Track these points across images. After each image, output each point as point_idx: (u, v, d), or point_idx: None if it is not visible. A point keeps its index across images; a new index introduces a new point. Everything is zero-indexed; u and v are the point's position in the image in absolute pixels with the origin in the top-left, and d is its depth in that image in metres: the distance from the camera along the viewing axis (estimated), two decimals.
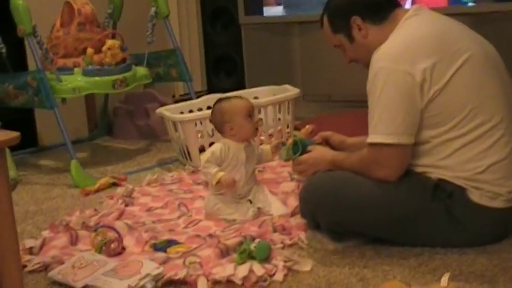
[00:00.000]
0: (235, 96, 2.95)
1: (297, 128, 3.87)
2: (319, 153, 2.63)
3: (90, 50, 3.75)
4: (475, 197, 2.29)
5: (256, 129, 2.85)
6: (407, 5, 4.29)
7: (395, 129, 2.28)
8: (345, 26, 2.49)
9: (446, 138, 2.30)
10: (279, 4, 4.77)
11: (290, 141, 2.71)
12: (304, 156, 2.64)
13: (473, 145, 2.29)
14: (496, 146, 2.30)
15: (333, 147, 2.77)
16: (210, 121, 2.93)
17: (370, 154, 2.35)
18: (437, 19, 2.44)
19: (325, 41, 2.61)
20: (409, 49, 2.30)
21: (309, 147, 2.67)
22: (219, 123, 2.84)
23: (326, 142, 2.82)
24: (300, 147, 2.65)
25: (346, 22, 2.47)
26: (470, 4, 4.22)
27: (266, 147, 2.95)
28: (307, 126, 2.98)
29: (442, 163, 2.31)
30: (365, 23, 2.45)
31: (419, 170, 2.35)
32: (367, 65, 2.42)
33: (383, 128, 2.29)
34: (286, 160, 2.76)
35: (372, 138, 2.32)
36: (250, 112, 2.82)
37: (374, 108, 2.31)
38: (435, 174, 2.32)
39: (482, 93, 2.31)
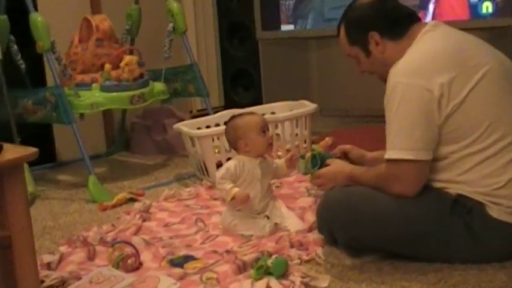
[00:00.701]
0: (248, 113, 2.96)
1: (314, 142, 3.87)
2: (337, 166, 2.61)
3: (108, 66, 3.77)
4: (494, 212, 2.27)
5: (271, 144, 2.85)
6: (428, 18, 4.29)
7: (413, 145, 2.26)
8: (362, 39, 2.48)
9: (465, 153, 2.28)
10: (290, 23, 4.77)
11: (308, 154, 2.70)
12: (323, 170, 2.62)
13: (492, 160, 2.27)
14: None
15: (352, 162, 2.75)
16: (226, 139, 2.93)
17: (387, 169, 2.34)
18: (455, 34, 2.44)
19: (340, 49, 2.60)
20: (427, 64, 2.29)
21: (328, 161, 2.65)
22: (233, 140, 2.85)
23: (345, 156, 2.80)
24: (318, 161, 2.63)
25: (364, 36, 2.47)
26: (489, 18, 4.20)
27: (281, 162, 2.94)
28: (326, 139, 2.98)
29: (461, 178, 2.30)
30: (383, 38, 2.45)
31: (437, 185, 2.34)
32: (382, 78, 2.42)
33: (401, 143, 2.28)
34: (305, 173, 2.74)
35: (390, 154, 2.31)
36: (264, 127, 2.82)
37: (391, 123, 2.31)
38: (454, 189, 2.31)
39: (501, 108, 2.29)
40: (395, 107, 2.28)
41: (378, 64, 2.47)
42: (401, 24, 2.44)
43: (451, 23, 2.54)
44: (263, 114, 3.25)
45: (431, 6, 4.30)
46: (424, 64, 2.29)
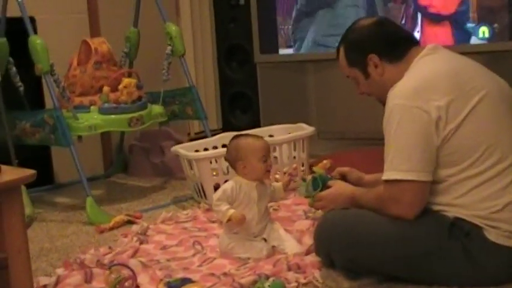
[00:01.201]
0: (253, 136, 2.93)
1: (312, 165, 3.87)
2: (338, 188, 2.61)
3: (106, 88, 3.78)
4: (491, 236, 2.26)
5: (269, 171, 2.84)
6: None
7: (412, 166, 2.26)
8: (361, 61, 2.50)
9: (463, 177, 2.28)
10: (289, 47, 4.79)
11: (309, 177, 2.69)
12: (324, 192, 2.61)
13: (490, 184, 2.27)
14: None
15: (350, 184, 2.76)
16: (225, 158, 2.93)
17: (386, 191, 2.33)
18: (452, 58, 2.45)
19: (339, 70, 2.61)
20: (425, 87, 2.30)
21: (329, 183, 2.64)
22: (233, 159, 2.85)
23: (343, 178, 2.80)
24: (319, 183, 2.62)
25: (363, 58, 2.48)
26: (482, 42, 4.22)
27: (278, 185, 2.93)
28: (324, 161, 2.96)
29: (458, 201, 2.30)
30: (382, 61, 2.46)
31: (435, 208, 2.33)
32: (380, 100, 2.44)
33: (399, 164, 2.28)
34: (306, 196, 2.71)
35: (388, 175, 2.31)
36: (266, 155, 2.80)
37: (390, 145, 2.31)
38: (451, 212, 2.30)
39: (498, 131, 2.30)
40: (393, 128, 2.29)
41: (377, 86, 2.49)
42: (400, 47, 2.46)
43: (450, 47, 2.55)
44: None
45: (417, 35, 4.34)
46: (422, 87, 2.30)
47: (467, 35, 4.26)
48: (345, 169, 2.83)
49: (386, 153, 2.33)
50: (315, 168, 2.67)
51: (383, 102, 2.40)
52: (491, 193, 2.27)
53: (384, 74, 2.47)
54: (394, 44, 2.46)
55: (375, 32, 2.49)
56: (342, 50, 2.57)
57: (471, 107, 2.28)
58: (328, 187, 2.63)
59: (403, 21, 4.37)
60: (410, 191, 2.28)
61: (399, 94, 2.32)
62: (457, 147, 2.27)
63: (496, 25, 4.18)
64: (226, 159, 2.92)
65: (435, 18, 4.34)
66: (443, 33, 4.32)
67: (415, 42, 2.51)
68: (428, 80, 2.32)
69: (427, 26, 4.36)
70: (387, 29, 2.51)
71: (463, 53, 2.52)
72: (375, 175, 2.66)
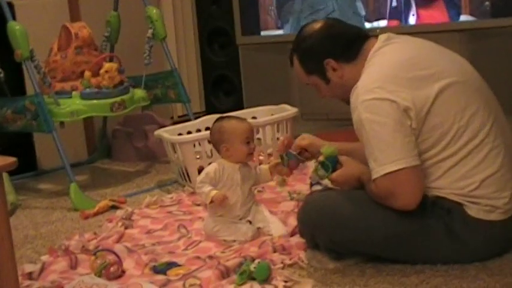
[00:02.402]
0: (237, 118, 2.92)
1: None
2: (348, 170, 2.49)
3: (87, 73, 3.76)
4: (472, 211, 2.28)
5: (252, 154, 2.84)
6: (413, 22, 4.34)
7: (398, 154, 2.23)
8: (319, 68, 2.48)
9: (437, 159, 2.29)
10: (279, 28, 4.78)
11: (316, 164, 2.60)
12: (336, 174, 2.51)
13: (464, 163, 2.28)
14: (486, 160, 2.29)
15: (313, 156, 2.74)
16: (209, 140, 2.92)
17: (381, 189, 2.28)
18: (408, 46, 2.43)
19: (297, 78, 2.59)
20: (385, 81, 2.28)
21: (341, 159, 2.53)
22: (216, 141, 2.84)
23: (305, 152, 2.77)
24: (329, 165, 2.53)
25: (320, 65, 2.46)
26: (468, 19, 4.22)
27: (264, 167, 2.93)
28: (280, 139, 2.91)
29: (436, 184, 2.30)
30: (339, 63, 2.44)
31: None
32: (344, 100, 2.44)
33: (385, 158, 2.24)
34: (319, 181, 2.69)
35: (378, 171, 2.25)
36: (249, 137, 2.80)
37: (369, 143, 2.28)
38: (431, 193, 2.31)
39: (466, 112, 2.29)
40: (367, 126, 2.27)
41: (339, 88, 2.48)
42: (354, 45, 2.44)
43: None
44: None
45: (412, 18, 4.34)
46: (382, 81, 2.28)
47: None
48: (303, 143, 2.78)
49: (368, 153, 2.29)
50: (322, 150, 2.61)
51: (347, 100, 2.39)
52: (466, 172, 2.28)
53: (343, 76, 2.45)
54: (347, 44, 2.44)
55: (326, 36, 2.47)
56: (296, 59, 2.55)
57: (436, 94, 2.27)
58: (339, 165, 2.53)
59: (395, 4, 4.37)
60: (406, 180, 2.24)
61: (362, 91, 2.30)
62: (428, 133, 2.27)
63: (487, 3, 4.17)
64: (209, 142, 2.91)
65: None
66: (438, 13, 4.30)
67: (366, 37, 2.48)
68: (387, 74, 2.31)
69: (421, 7, 4.35)
70: (337, 30, 2.50)
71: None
72: (345, 144, 2.63)
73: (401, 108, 2.24)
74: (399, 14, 4.40)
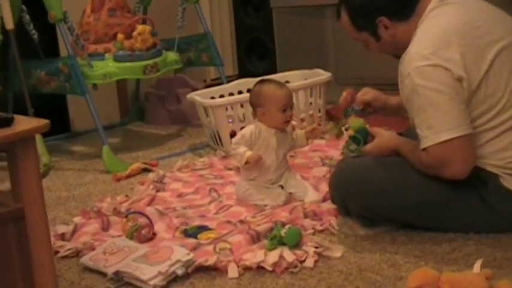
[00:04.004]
0: (278, 83, 2.88)
1: (329, 113, 3.86)
2: (382, 141, 2.45)
3: (120, 36, 3.77)
4: (508, 183, 2.26)
5: (288, 121, 2.82)
6: None
7: (453, 122, 2.19)
8: (370, 25, 2.41)
9: (479, 130, 2.25)
10: None
11: (346, 138, 2.56)
12: (367, 148, 2.47)
13: (506, 135, 2.25)
14: None
15: (375, 111, 2.69)
16: (241, 105, 2.91)
17: (432, 158, 2.23)
18: (465, 9, 2.35)
19: (344, 31, 2.53)
20: (440, 46, 2.22)
21: (372, 130, 2.49)
22: (254, 104, 2.85)
23: (368, 106, 2.70)
24: (360, 138, 2.49)
25: (371, 22, 2.40)
26: None
27: (301, 133, 2.93)
28: (343, 94, 2.80)
29: (477, 153, 2.27)
30: (392, 21, 2.38)
31: None
32: (395, 56, 2.39)
33: (440, 125, 2.20)
34: (354, 156, 2.56)
35: (432, 139, 2.21)
36: (286, 105, 2.79)
37: (424, 110, 2.22)
38: None
39: None
40: (422, 91, 2.21)
41: (389, 46, 2.42)
42: (407, 3, 2.36)
43: None
44: None
45: None
46: (436, 46, 2.22)
47: None
48: (367, 97, 2.69)
49: (421, 120, 2.24)
50: (350, 122, 2.57)
51: (398, 56, 2.34)
52: (507, 144, 2.25)
53: (396, 34, 2.39)
54: (401, 2, 2.37)
55: None
56: (344, 14, 2.47)
57: (490, 62, 2.22)
58: (371, 136, 2.49)
59: None
60: (461, 148, 2.21)
61: (415, 57, 2.24)
62: (476, 105, 2.23)
63: None
64: (242, 106, 2.91)
65: None
66: None
67: None
68: (442, 39, 2.24)
69: None
70: None
71: None
72: (399, 98, 2.52)
73: (455, 77, 2.19)
74: None
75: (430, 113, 2.22)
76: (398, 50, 2.35)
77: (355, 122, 2.53)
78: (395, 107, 2.67)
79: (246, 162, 2.72)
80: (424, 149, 2.25)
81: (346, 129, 2.58)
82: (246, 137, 2.76)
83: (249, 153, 2.72)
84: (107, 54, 3.75)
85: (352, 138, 2.52)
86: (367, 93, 2.71)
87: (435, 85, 2.20)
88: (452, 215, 2.32)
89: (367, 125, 2.54)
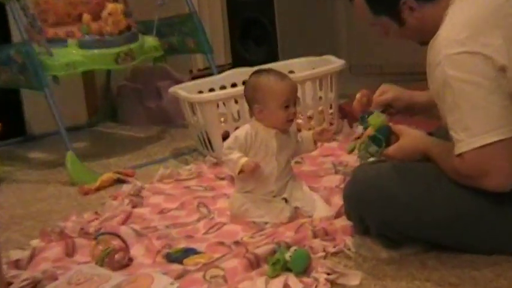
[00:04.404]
0: (279, 74, 2.86)
1: (342, 109, 3.86)
2: (406, 143, 2.45)
3: (86, 17, 3.77)
4: None
5: (291, 120, 2.81)
6: None
7: (495, 123, 2.19)
8: (392, 8, 2.41)
9: None
10: None
11: (364, 138, 2.51)
12: (389, 151, 2.44)
13: None
14: None
15: (399, 112, 2.69)
16: (235, 101, 2.91)
17: (470, 165, 2.22)
18: None
19: (357, 16, 2.54)
20: (478, 28, 2.22)
21: (395, 129, 2.46)
22: (249, 100, 2.84)
23: (389, 107, 2.69)
24: (381, 139, 2.46)
25: (395, 4, 2.39)
26: None
27: (307, 134, 2.92)
28: (357, 96, 2.79)
29: None
30: (418, 1, 2.37)
31: None
32: (421, 42, 2.39)
33: (478, 127, 2.19)
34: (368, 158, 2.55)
35: (469, 143, 2.20)
36: (289, 101, 2.78)
37: (458, 107, 2.21)
38: None
39: None
40: (456, 85, 2.21)
41: (414, 31, 2.42)
42: None
43: None
44: None
45: None
46: (473, 28, 2.22)
47: None
48: (387, 98, 2.69)
49: (455, 120, 2.23)
50: (370, 120, 2.56)
51: (425, 42, 2.34)
52: None
53: (423, 17, 2.39)
54: None
55: None
56: None
57: None
58: (394, 136, 2.47)
59: None
60: (501, 155, 2.19)
61: (447, 42, 2.23)
62: None
63: None
64: (236, 101, 2.91)
65: None
66: None
67: None
68: (478, 20, 2.24)
69: None
70: None
71: None
72: (427, 94, 2.53)
73: (497, 66, 2.19)
74: None
75: (465, 111, 2.21)
76: (424, 36, 2.35)
77: (375, 118, 2.51)
78: (423, 105, 2.68)
79: (241, 171, 2.72)
80: (458, 155, 2.24)
81: (365, 128, 2.57)
82: (240, 139, 2.76)
83: (244, 159, 2.71)
84: (70, 40, 3.75)
85: (372, 139, 2.49)
86: (385, 93, 2.71)
87: (472, 77, 2.20)
88: (493, 232, 2.32)
89: (390, 123, 2.53)
